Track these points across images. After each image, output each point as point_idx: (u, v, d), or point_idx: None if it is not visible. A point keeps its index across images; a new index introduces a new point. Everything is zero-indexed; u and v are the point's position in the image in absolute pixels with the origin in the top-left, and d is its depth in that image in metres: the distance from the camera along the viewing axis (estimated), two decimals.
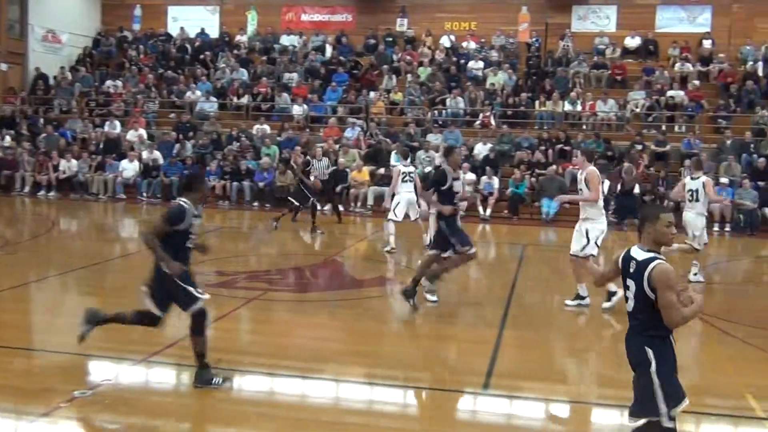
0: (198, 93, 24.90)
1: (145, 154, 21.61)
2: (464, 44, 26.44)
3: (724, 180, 18.53)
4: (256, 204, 20.36)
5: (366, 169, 20.27)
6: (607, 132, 21.85)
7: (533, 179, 19.43)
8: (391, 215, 13.33)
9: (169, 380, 6.83)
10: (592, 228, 9.23)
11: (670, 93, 22.59)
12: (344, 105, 24.02)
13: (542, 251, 14.22)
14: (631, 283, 4.42)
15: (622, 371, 7.12)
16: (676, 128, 22.00)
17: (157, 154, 21.64)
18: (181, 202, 6.37)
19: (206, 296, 6.43)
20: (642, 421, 4.43)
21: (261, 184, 20.42)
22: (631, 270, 4.43)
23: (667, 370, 4.35)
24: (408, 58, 25.78)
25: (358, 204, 19.89)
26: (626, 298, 4.51)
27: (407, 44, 26.67)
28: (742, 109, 22.18)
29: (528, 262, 13.39)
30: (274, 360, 7.27)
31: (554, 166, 19.66)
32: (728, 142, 20.34)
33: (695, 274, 11.48)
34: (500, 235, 17.07)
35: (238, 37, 27.95)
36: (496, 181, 19.49)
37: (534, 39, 25.70)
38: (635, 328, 4.45)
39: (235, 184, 20.65)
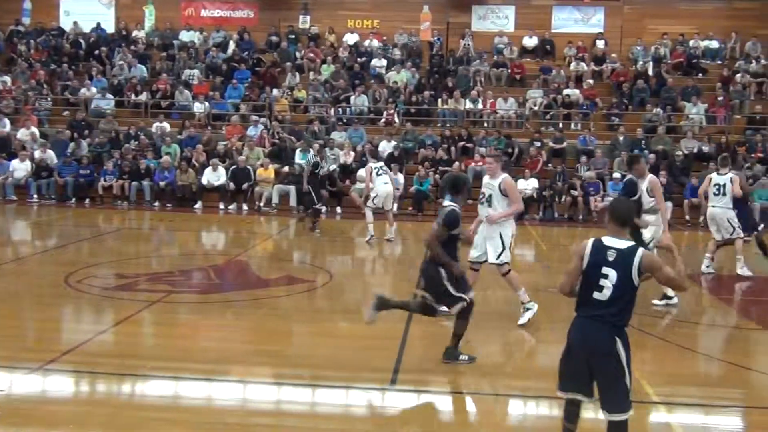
0: (93, 90, 24.04)
1: (37, 154, 20.68)
2: (367, 42, 26.54)
3: (617, 175, 19.28)
4: (156, 204, 19.84)
5: (271, 167, 20.07)
6: (508, 129, 22.40)
7: (437, 176, 19.70)
8: (369, 203, 14.42)
9: (67, 388, 6.56)
10: (505, 233, 8.83)
11: (566, 91, 23.36)
12: (247, 103, 23.71)
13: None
14: (610, 271, 4.50)
15: (526, 361, 7.32)
16: (573, 125, 22.78)
17: (50, 153, 20.75)
18: (454, 207, 6.96)
19: (469, 296, 7.02)
20: (618, 417, 4.59)
21: (162, 184, 19.90)
22: (611, 259, 4.52)
23: (630, 361, 4.57)
24: (311, 55, 25.68)
25: (263, 202, 19.67)
26: (599, 287, 4.55)
27: (310, 41, 26.57)
28: (634, 107, 23.17)
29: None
30: (178, 363, 7.09)
31: (457, 163, 20.01)
32: (621, 138, 21.18)
33: (707, 267, 12.04)
34: (405, 232, 17.22)
35: (135, 33, 27.15)
36: (401, 178, 19.64)
37: (436, 38, 26.07)
38: (605, 317, 4.52)
39: (134, 183, 20.04)
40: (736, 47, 25.83)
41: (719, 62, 25.54)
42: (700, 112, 22.72)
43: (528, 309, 8.70)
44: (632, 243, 4.58)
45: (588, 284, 4.59)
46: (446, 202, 7.15)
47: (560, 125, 22.41)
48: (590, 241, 4.65)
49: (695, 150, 20.92)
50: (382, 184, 14.41)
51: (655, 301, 9.95)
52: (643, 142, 21.13)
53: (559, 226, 18.39)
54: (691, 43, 25.87)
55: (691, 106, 22.73)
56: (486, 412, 6.38)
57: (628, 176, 9.63)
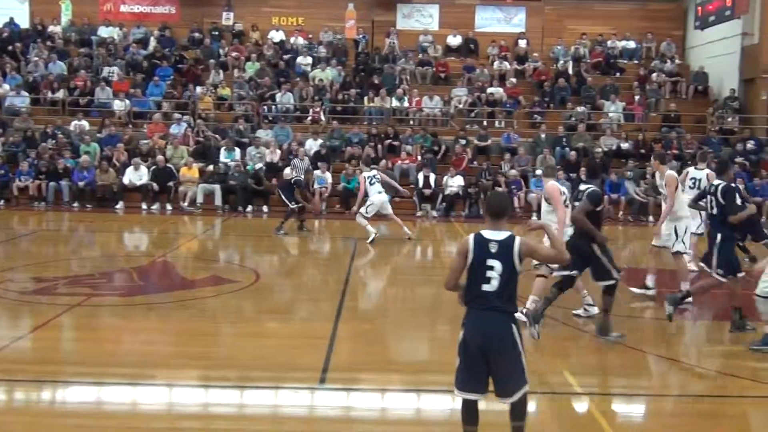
0: (6, 87, 23.15)
1: None
2: (292, 40, 26.36)
3: (539, 172, 19.67)
4: (76, 205, 19.26)
5: (195, 166, 19.74)
6: (433, 127, 22.61)
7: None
8: (362, 210, 14.50)
9: None
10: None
11: (490, 90, 23.72)
12: (169, 100, 23.24)
13: (376, 245, 14.46)
14: (495, 263, 4.68)
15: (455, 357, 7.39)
16: (497, 123, 23.15)
17: None
18: (595, 187, 8.01)
19: (619, 275, 7.86)
20: (522, 392, 4.79)
21: (81, 184, 19.32)
22: (494, 251, 4.70)
23: (522, 343, 4.77)
24: (235, 53, 25.35)
25: (187, 202, 19.31)
26: (486, 279, 4.68)
27: (234, 38, 26.24)
28: (555, 105, 23.71)
29: (361, 256, 13.58)
30: (100, 368, 6.90)
31: (384, 161, 20.08)
32: (543, 136, 21.65)
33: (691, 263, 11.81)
34: (333, 230, 17.21)
35: (51, 28, 26.25)
36: (328, 176, 19.62)
37: (361, 36, 26.12)
38: (499, 308, 4.68)
39: (51, 184, 19.39)
40: (652, 47, 26.72)
41: (636, 62, 26.37)
42: (618, 110, 23.41)
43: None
44: (510, 233, 4.76)
45: (476, 278, 4.73)
46: (584, 186, 8.27)
47: (485, 123, 22.74)
48: (471, 237, 4.80)
49: (614, 147, 21.54)
50: (376, 193, 14.49)
51: (633, 289, 10.40)
52: (564, 139, 21.65)
53: (484, 222, 18.65)
54: (608, 43, 26.63)
55: (609, 104, 23.40)
56: (415, 409, 6.43)
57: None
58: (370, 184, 14.53)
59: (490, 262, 4.68)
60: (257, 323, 8.93)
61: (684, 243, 9.92)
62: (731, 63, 24.40)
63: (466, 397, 4.84)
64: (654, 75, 24.89)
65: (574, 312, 9.12)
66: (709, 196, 8.64)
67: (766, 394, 6.77)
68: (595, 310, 8.76)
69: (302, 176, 16.55)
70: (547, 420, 6.13)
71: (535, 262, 8.64)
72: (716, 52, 25.10)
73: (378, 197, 14.53)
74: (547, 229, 5.26)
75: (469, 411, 4.89)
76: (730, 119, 22.99)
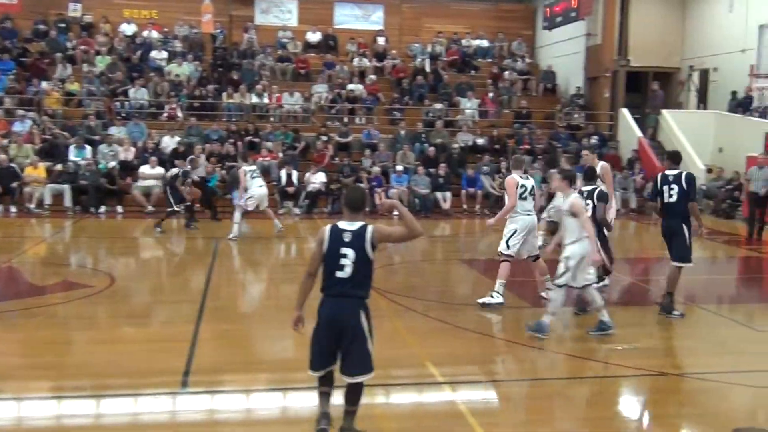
0: None
1: None
2: (145, 33, 25.42)
3: (399, 168, 20.03)
4: None
5: (42, 166, 18.64)
6: (294, 123, 22.49)
7: (224, 172, 19.34)
8: (242, 202, 14.55)
9: None
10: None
11: (350, 87, 23.87)
12: (12, 96, 21.82)
13: (237, 243, 14.23)
14: (348, 251, 5.03)
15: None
16: (357, 120, 23.31)
17: None
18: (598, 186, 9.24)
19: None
20: (364, 378, 5.12)
21: None
22: (347, 240, 5.06)
23: (372, 329, 5.12)
24: (84, 46, 24.15)
25: (34, 203, 18.21)
26: (340, 267, 5.03)
27: (83, 31, 24.99)
28: (414, 102, 24.16)
29: (223, 255, 13.31)
30: None
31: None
32: (402, 132, 22.02)
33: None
34: (194, 230, 16.75)
35: None
36: None
37: (218, 30, 25.57)
38: (350, 294, 5.04)
39: None
40: (504, 46, 27.78)
41: (489, 60, 27.33)
42: (474, 107, 24.17)
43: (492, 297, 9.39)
44: (363, 224, 5.11)
45: (331, 266, 5.08)
46: (587, 187, 9.25)
47: (345, 120, 22.86)
48: (328, 227, 5.18)
49: (470, 143, 22.23)
50: (257, 187, 14.58)
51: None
52: (423, 135, 22.12)
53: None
54: (463, 41, 27.45)
55: (465, 101, 24.12)
56: (282, 407, 6.38)
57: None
58: (251, 177, 14.60)
59: (344, 250, 5.03)
60: (113, 329, 8.57)
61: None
62: (577, 62, 25.78)
63: (318, 374, 5.21)
64: (506, 73, 25.88)
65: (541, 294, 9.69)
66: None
67: (614, 374, 7.21)
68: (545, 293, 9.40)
69: (188, 168, 16.12)
70: (411, 410, 6.25)
71: (539, 243, 9.85)
72: (563, 52, 26.45)
73: (259, 191, 14.64)
74: (398, 207, 5.41)
75: (325, 376, 5.26)
76: (576, 115, 24.27)
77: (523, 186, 9.45)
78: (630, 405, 6.68)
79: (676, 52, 25.25)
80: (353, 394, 5.20)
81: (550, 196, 12.43)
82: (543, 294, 9.60)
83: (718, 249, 15.02)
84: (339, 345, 5.07)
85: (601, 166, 10.43)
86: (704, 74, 24.43)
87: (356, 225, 5.10)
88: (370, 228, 5.07)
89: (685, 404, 6.48)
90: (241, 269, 12.79)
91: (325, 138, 21.13)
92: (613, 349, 7.96)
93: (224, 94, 23.14)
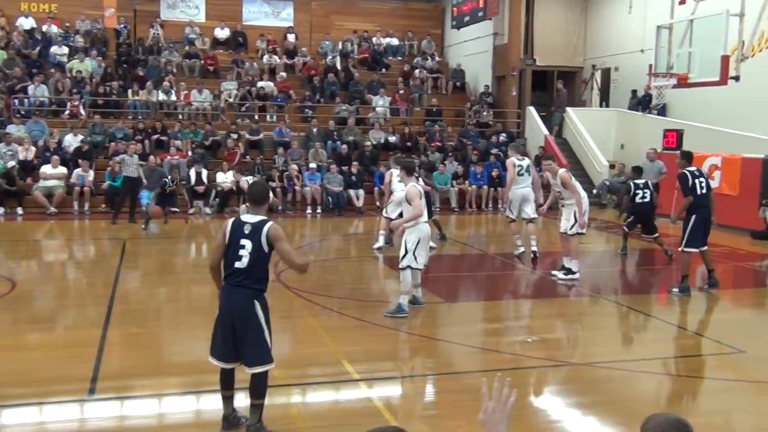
0: None
1: None
2: (45, 28, 24.43)
3: (312, 165, 19.94)
4: None
5: None
6: (204, 121, 22.06)
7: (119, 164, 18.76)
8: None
9: None
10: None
11: (260, 84, 23.60)
12: None
13: (145, 245, 13.87)
14: (246, 242, 5.29)
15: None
16: (268, 117, 23.08)
17: None
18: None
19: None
20: (263, 369, 5.36)
21: None
22: (246, 232, 5.31)
23: (269, 321, 5.39)
24: None
25: None
26: (239, 257, 5.29)
27: None
28: (325, 99, 24.09)
29: (130, 257, 12.94)
30: None
31: (153, 157, 19.22)
32: (315, 130, 21.93)
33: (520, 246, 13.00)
34: (99, 231, 16.22)
35: None
36: (91, 174, 18.47)
37: (122, 25, 24.82)
38: (246, 285, 5.29)
39: None
40: (414, 45, 28.04)
41: (400, 58, 27.53)
42: (385, 104, 24.30)
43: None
44: (264, 218, 5.41)
45: (231, 256, 5.35)
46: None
47: (256, 117, 22.60)
48: (231, 220, 5.49)
49: (382, 140, 22.34)
50: None
51: (555, 272, 11.16)
52: (336, 133, 22.09)
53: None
54: (374, 39, 27.55)
55: (377, 99, 24.22)
56: (195, 411, 6.26)
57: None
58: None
59: (243, 241, 5.30)
60: (14, 336, 8.20)
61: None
62: (485, 61, 26.26)
63: (219, 365, 5.43)
64: (417, 71, 26.13)
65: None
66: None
67: (525, 365, 7.38)
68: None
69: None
70: (327, 408, 6.23)
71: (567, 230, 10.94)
72: (472, 51, 26.89)
73: None
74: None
75: (226, 378, 5.49)
76: (485, 113, 24.72)
77: (519, 165, 12.17)
78: (540, 396, 6.84)
79: (579, 52, 26.07)
80: (255, 386, 5.39)
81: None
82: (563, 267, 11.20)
83: (620, 241, 15.58)
84: (236, 335, 5.29)
85: (560, 175, 11.13)
86: (606, 73, 25.31)
87: (257, 219, 5.38)
88: (269, 224, 5.34)
89: (592, 393, 6.69)
90: (150, 270, 12.46)
91: (235, 136, 20.82)
92: (524, 341, 8.16)
93: (129, 92, 22.48)
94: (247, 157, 20.59)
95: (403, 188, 9.53)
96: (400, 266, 8.71)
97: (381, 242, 13.46)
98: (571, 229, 10.99)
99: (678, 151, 12.24)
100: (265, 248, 5.30)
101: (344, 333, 8.38)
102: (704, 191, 10.18)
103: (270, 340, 5.39)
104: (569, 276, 11.12)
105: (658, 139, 19.30)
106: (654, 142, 19.35)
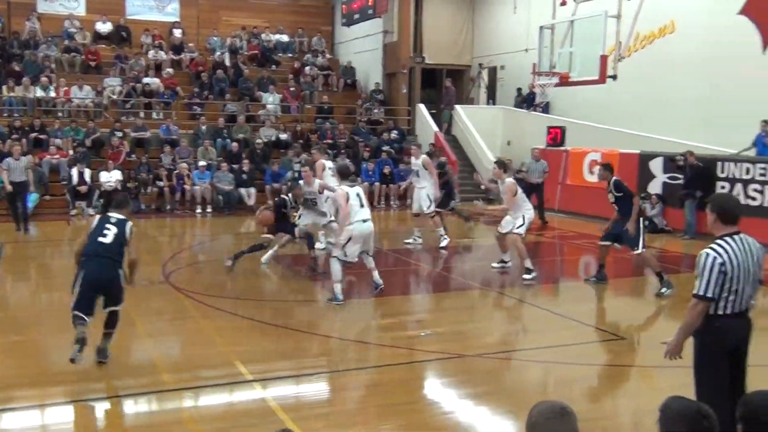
0: None
1: None
2: None
3: (202, 163, 19.52)
4: None
5: None
6: (86, 119, 21.17)
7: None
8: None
9: None
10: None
11: (145, 80, 22.88)
12: None
13: (24, 248, 13.20)
14: (112, 227, 6.83)
15: (113, 365, 7.04)
16: (154, 115, 22.42)
17: None
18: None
19: None
20: (117, 308, 6.91)
21: None
22: (113, 221, 6.90)
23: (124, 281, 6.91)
24: None
25: None
26: (104, 234, 6.77)
27: None
28: (214, 96, 23.62)
29: (9, 262, 12.26)
30: None
31: (30, 156, 18.33)
32: (204, 127, 21.47)
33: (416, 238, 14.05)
34: None
35: None
36: None
37: None
38: (110, 256, 6.73)
39: None
40: (304, 42, 27.89)
41: (290, 55, 27.32)
42: (276, 101, 24.07)
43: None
44: (126, 218, 6.97)
45: (94, 235, 6.80)
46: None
47: (142, 114, 21.91)
48: (98, 215, 7.27)
49: (273, 138, 22.12)
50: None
51: (494, 264, 11.33)
52: (225, 131, 21.71)
53: (147, 218, 17.89)
54: (263, 36, 27.22)
55: (267, 96, 23.95)
56: (80, 421, 6.01)
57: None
58: None
59: (108, 226, 6.84)
60: None
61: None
62: (375, 58, 26.44)
63: (79, 315, 6.54)
64: (307, 68, 26.00)
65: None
66: None
67: (419, 359, 7.48)
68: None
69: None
70: (220, 411, 6.11)
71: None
72: (362, 48, 27.00)
73: None
74: None
75: (79, 321, 6.56)
76: (376, 111, 24.89)
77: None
78: (434, 388, 6.96)
79: (467, 51, 26.62)
80: (111, 320, 6.83)
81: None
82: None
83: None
84: (99, 292, 6.69)
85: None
86: (493, 72, 25.97)
87: (121, 216, 7.01)
88: (129, 223, 6.94)
89: (483, 383, 6.85)
90: (30, 275, 11.87)
91: (120, 134, 20.11)
92: (417, 336, 8.27)
93: (4, 87, 21.32)
94: (133, 155, 19.92)
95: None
96: (331, 256, 9.46)
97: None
98: (518, 228, 11.08)
99: (600, 161, 12.72)
100: (127, 237, 6.82)
101: (237, 333, 8.25)
102: None
103: (125, 288, 6.90)
104: (505, 268, 11.66)
105: (542, 136, 19.99)
106: (538, 138, 20.03)
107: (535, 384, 6.99)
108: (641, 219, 10.42)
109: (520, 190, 11.23)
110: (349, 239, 9.25)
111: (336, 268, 9.26)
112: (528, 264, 11.00)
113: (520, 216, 11.07)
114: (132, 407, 6.23)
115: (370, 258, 9.76)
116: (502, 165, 11.66)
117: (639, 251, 10.33)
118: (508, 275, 11.51)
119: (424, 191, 13.75)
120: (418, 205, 13.97)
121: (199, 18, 27.25)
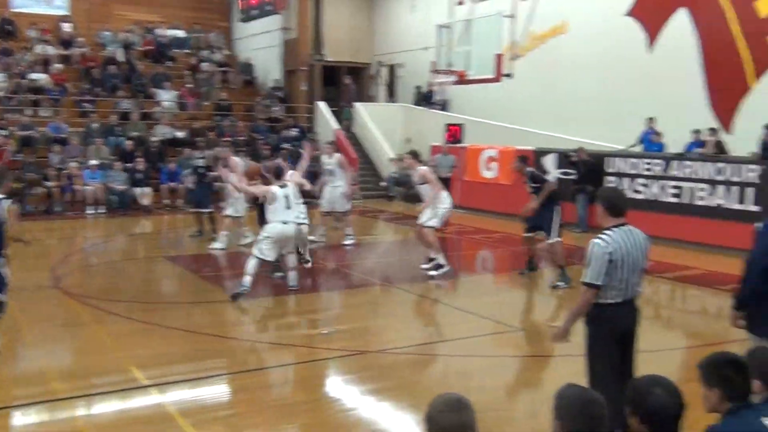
0: None
1: None
2: None
3: (94, 163, 18.82)
4: None
5: None
6: None
7: None
8: None
9: None
10: None
11: (32, 76, 21.86)
12: None
13: None
14: None
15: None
16: (42, 112, 21.43)
17: None
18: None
19: None
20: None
21: None
22: None
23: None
24: None
25: None
26: None
27: None
28: (106, 93, 22.81)
29: None
30: None
31: None
32: (95, 125, 20.70)
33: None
34: None
35: None
36: None
37: None
38: None
39: None
40: (201, 37, 27.31)
41: (186, 51, 26.69)
42: (172, 98, 23.47)
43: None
44: (4, 197, 6.51)
45: None
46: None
47: (29, 112, 20.91)
48: None
49: (169, 136, 21.56)
50: None
51: (423, 265, 10.96)
52: (119, 129, 21.00)
53: (35, 220, 17.04)
54: (158, 31, 26.48)
55: (163, 92, 23.31)
56: None
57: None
58: None
59: None
60: None
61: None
62: (274, 55, 26.19)
63: None
64: (204, 65, 25.49)
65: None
66: None
67: (320, 357, 7.45)
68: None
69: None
70: (115, 418, 5.91)
71: None
72: (261, 45, 26.70)
73: None
74: None
75: None
76: (276, 108, 24.64)
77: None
78: (336, 386, 6.94)
79: (366, 48, 26.73)
80: None
81: None
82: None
83: (409, 232, 16.21)
84: None
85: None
86: (392, 69, 26.16)
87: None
88: (8, 201, 6.49)
89: (384, 378, 6.89)
90: None
91: (4, 132, 19.11)
92: (318, 334, 8.24)
93: None
94: (20, 155, 18.98)
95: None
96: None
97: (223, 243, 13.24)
98: (430, 221, 11.05)
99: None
100: (2, 218, 6.37)
101: (132, 338, 7.99)
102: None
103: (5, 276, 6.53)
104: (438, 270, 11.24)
105: (441, 133, 20.29)
106: (437, 136, 20.32)
107: (435, 378, 7.08)
108: (555, 208, 10.63)
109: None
110: (267, 238, 9.40)
111: (251, 263, 9.39)
112: (441, 259, 11.07)
113: (436, 209, 11.05)
114: (20, 419, 5.93)
115: (291, 257, 9.81)
116: (416, 155, 11.57)
117: (552, 240, 10.61)
118: (411, 272, 11.60)
119: (339, 189, 13.67)
120: (330, 205, 13.83)
121: (90, 11, 26.22)
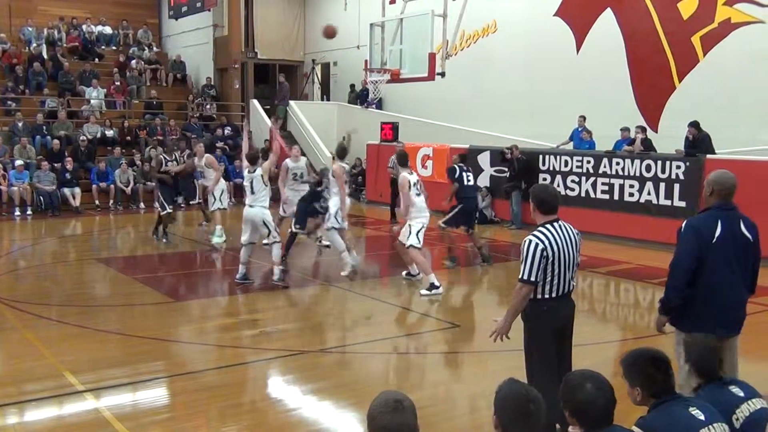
0: None
1: None
2: None
3: (19, 163, 18.26)
4: None
5: None
6: None
7: None
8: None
9: None
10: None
11: None
12: None
13: None
14: None
15: None
16: None
17: None
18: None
19: None
20: None
21: None
22: None
23: None
24: None
25: None
26: None
27: None
28: (31, 91, 22.14)
29: None
30: None
31: None
32: (20, 124, 20.06)
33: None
34: None
35: None
36: None
37: None
38: None
39: None
40: (129, 34, 26.73)
41: (114, 48, 26.10)
42: (100, 96, 22.91)
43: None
44: None
45: None
46: None
47: None
48: None
49: (99, 134, 21.05)
50: None
51: (404, 273, 10.86)
52: (45, 127, 20.41)
53: None
54: (84, 27, 25.81)
55: (90, 90, 22.74)
56: None
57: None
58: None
59: None
60: None
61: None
62: (206, 53, 25.83)
63: None
64: (133, 62, 24.96)
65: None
66: None
67: (262, 358, 7.41)
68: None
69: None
70: (49, 426, 5.76)
71: None
72: (191, 42, 26.30)
73: None
74: None
75: None
76: (208, 106, 24.33)
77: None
78: (277, 386, 6.91)
79: (299, 46, 26.61)
80: None
81: None
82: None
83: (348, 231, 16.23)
84: None
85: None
86: (326, 68, 26.11)
87: None
88: None
89: (326, 378, 6.89)
90: None
91: None
92: (258, 334, 8.19)
93: None
94: None
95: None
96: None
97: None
98: (409, 239, 10.45)
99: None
100: None
101: (65, 342, 7.80)
102: (470, 183, 11.95)
103: None
104: (413, 280, 10.86)
105: (376, 132, 20.34)
106: (373, 134, 20.37)
107: (375, 375, 7.12)
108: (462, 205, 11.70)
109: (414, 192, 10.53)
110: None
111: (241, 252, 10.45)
112: (433, 278, 10.13)
113: (413, 223, 10.44)
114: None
115: (275, 249, 10.28)
116: (342, 154, 11.49)
117: (443, 226, 11.80)
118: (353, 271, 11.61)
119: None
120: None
121: (11, 6, 25.37)
